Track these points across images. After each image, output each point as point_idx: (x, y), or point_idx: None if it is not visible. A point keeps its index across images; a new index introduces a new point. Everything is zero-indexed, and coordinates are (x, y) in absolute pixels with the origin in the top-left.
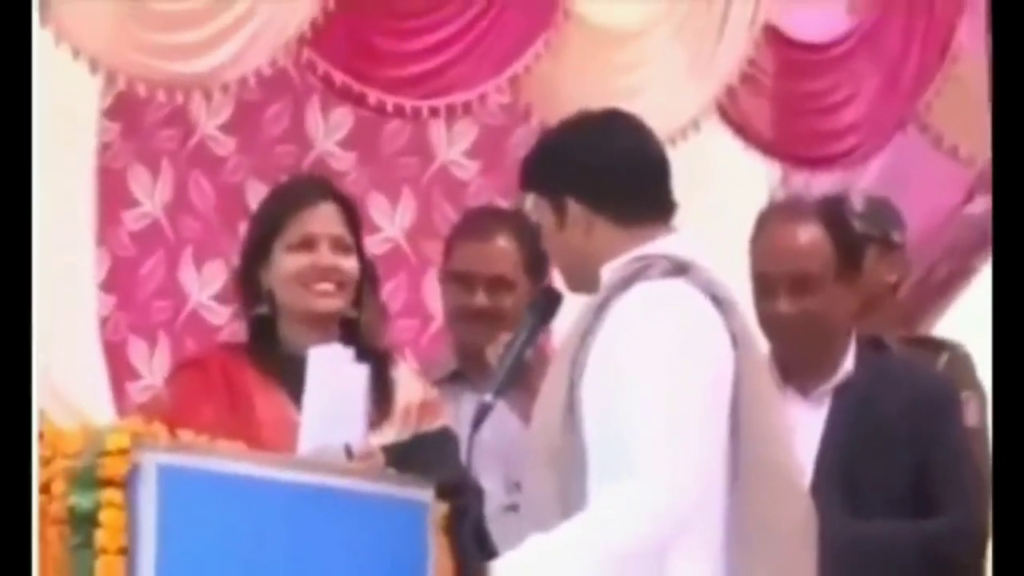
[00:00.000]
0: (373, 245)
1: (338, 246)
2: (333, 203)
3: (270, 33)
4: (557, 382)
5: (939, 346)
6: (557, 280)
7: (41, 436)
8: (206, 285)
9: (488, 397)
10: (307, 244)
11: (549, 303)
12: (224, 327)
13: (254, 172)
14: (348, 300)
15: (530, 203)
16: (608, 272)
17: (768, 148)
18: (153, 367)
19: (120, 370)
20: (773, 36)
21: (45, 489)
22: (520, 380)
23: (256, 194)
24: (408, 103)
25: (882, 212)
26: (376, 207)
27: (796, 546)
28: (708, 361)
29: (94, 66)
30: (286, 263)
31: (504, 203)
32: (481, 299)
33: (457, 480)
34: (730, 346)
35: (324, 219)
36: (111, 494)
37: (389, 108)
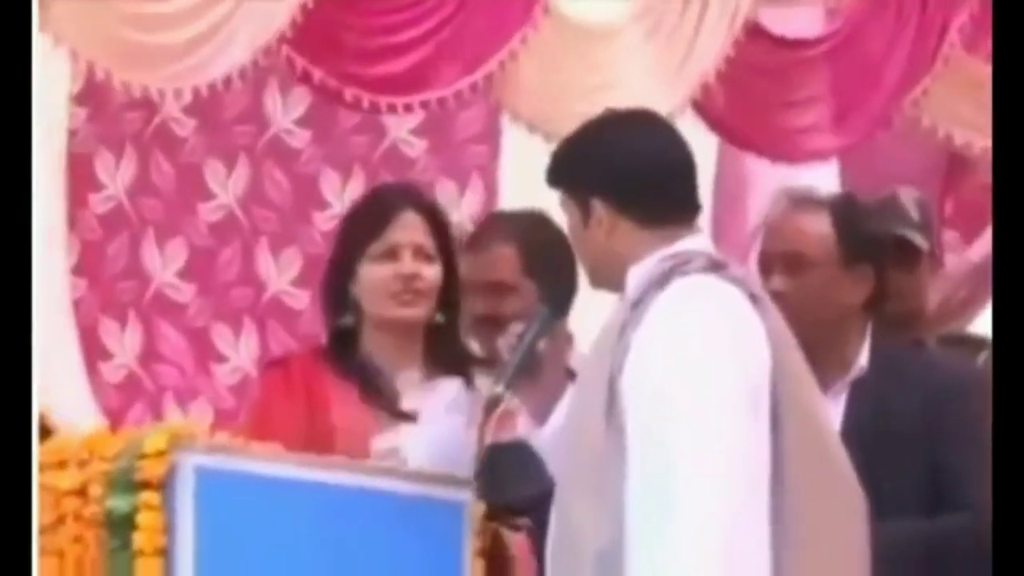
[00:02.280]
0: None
1: (420, 254)
2: (416, 212)
3: (249, 33)
4: (595, 383)
5: (979, 344)
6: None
7: (44, 436)
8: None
9: (499, 388)
10: (390, 254)
11: (563, 295)
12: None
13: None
14: (429, 307)
15: (559, 199)
16: (638, 271)
17: (746, 143)
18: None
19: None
20: (754, 32)
21: (81, 492)
22: (533, 373)
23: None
24: (384, 100)
25: (929, 216)
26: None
27: (846, 542)
28: (747, 356)
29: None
30: (371, 273)
31: (450, 183)
32: (479, 306)
33: (538, 492)
34: (766, 342)
35: (407, 228)
36: (149, 496)
37: (365, 105)
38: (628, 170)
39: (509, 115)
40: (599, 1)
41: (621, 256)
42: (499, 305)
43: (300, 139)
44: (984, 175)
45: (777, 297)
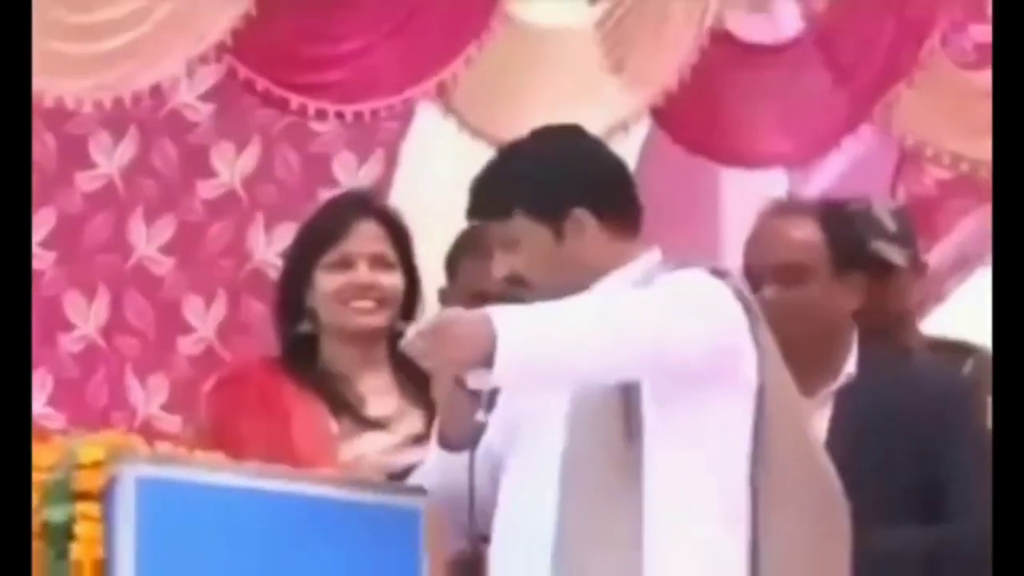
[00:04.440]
0: None
1: (378, 263)
2: (373, 220)
3: (188, 41)
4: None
5: (966, 350)
6: None
7: None
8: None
9: (481, 415)
10: (345, 263)
11: None
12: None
13: None
14: (391, 316)
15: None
16: (621, 277)
17: (709, 151)
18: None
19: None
20: (722, 39)
21: None
22: None
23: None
24: (331, 108)
25: (907, 223)
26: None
27: (829, 555)
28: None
29: None
30: (325, 282)
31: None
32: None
33: None
34: (753, 350)
35: (362, 238)
36: (86, 507)
37: (311, 113)
38: (602, 178)
39: (458, 123)
40: (557, 5)
41: (596, 268)
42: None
43: (200, 112)
44: (936, 172)
45: (770, 308)
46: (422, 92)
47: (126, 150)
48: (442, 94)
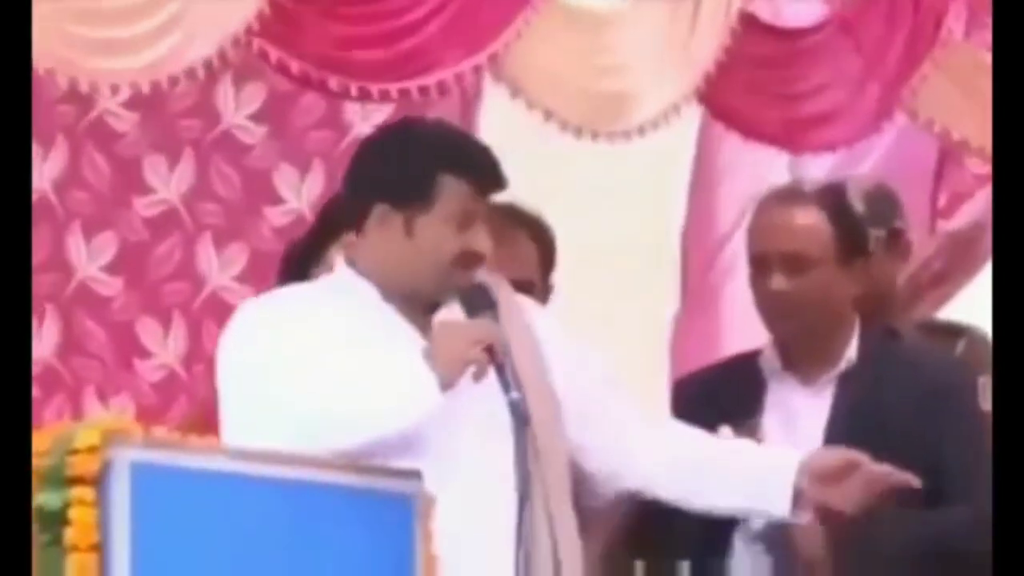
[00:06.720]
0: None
1: None
2: None
3: (212, 26)
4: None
5: (957, 331)
6: None
7: None
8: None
9: (515, 394)
10: None
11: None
12: None
13: None
14: None
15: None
16: None
17: (750, 134)
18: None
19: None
20: (749, 22)
21: None
22: None
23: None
24: (375, 87)
25: (882, 203)
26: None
27: None
28: None
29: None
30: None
31: None
32: None
33: None
34: None
35: None
36: (81, 492)
37: (354, 92)
38: None
39: (521, 98)
40: None
41: None
42: None
43: (253, 135)
44: (975, 165)
45: (778, 296)
46: (472, 67)
47: (183, 175)
48: (495, 69)
